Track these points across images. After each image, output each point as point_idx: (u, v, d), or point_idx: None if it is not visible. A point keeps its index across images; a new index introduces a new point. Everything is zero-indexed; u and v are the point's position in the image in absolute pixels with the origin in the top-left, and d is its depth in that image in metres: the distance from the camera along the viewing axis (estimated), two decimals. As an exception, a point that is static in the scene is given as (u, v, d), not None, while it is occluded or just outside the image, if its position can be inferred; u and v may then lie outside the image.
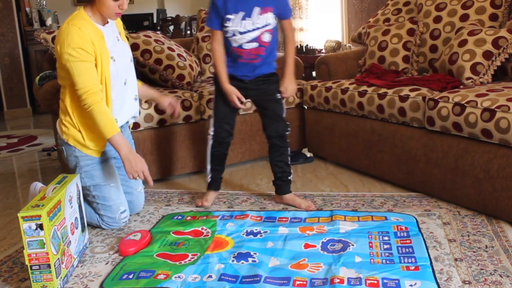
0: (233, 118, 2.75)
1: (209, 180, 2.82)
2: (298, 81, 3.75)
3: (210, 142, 2.74)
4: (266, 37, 2.53)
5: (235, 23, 2.48)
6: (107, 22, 2.46)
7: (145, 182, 2.46)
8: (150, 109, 3.15)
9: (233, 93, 2.59)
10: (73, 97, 2.37)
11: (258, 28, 2.50)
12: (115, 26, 2.57)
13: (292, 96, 3.56)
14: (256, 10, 2.47)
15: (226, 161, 2.84)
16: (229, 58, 2.61)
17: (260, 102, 2.73)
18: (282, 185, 2.79)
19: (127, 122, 2.69)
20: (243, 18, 2.47)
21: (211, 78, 3.80)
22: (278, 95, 2.69)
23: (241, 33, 2.49)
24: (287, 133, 2.74)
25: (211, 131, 2.72)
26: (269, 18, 2.50)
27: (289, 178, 2.78)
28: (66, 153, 2.50)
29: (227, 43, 2.55)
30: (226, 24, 2.49)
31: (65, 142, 2.46)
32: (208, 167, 2.79)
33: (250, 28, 2.49)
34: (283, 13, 2.59)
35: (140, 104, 2.92)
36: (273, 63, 2.69)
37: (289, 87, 2.68)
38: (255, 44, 2.53)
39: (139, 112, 2.76)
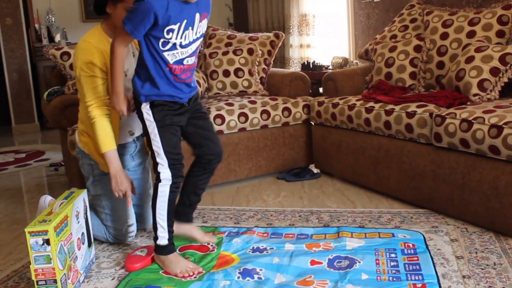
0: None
1: (168, 239, 2.23)
2: (305, 98, 3.77)
3: (166, 189, 2.19)
4: (198, 49, 2.23)
5: (177, 34, 2.05)
6: None
7: None
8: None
9: (124, 99, 2.21)
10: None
11: (198, 38, 2.15)
12: (132, 42, 2.53)
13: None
14: (197, 16, 2.09)
15: None
16: (160, 79, 2.11)
17: (195, 122, 2.32)
18: (190, 213, 2.49)
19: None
20: (186, 28, 2.06)
21: (218, 94, 3.82)
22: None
23: (182, 46, 2.09)
24: None
25: (166, 175, 2.18)
26: (205, 26, 2.18)
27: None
28: (81, 161, 2.55)
29: (159, 60, 2.08)
30: (168, 36, 2.03)
31: (81, 150, 2.52)
32: (165, 224, 2.21)
33: (191, 39, 2.12)
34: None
35: None
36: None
37: None
38: (193, 59, 2.19)
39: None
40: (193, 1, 2.03)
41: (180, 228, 2.39)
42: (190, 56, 2.14)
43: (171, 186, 2.18)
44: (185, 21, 2.04)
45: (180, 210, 2.42)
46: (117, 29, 2.15)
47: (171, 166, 2.17)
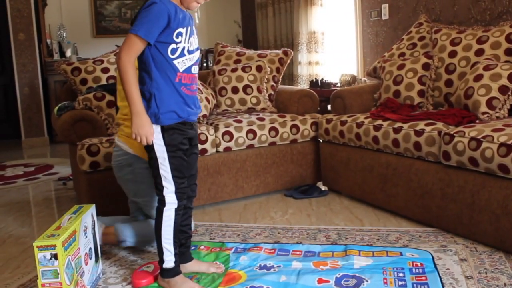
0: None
1: (174, 262, 2.18)
2: (313, 115, 3.77)
3: (171, 214, 2.15)
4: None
5: (185, 38, 2.05)
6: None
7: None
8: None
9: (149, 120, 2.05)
10: None
11: (198, 48, 2.15)
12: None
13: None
14: (194, 27, 2.12)
15: None
16: (167, 94, 2.05)
17: (189, 150, 2.23)
18: (186, 251, 2.37)
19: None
20: (190, 35, 2.07)
21: (227, 110, 3.84)
22: None
23: (189, 52, 2.07)
24: None
25: (171, 200, 2.13)
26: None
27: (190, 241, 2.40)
28: (126, 167, 2.54)
29: (166, 68, 2.03)
30: (178, 40, 2.02)
31: (122, 150, 2.52)
32: (172, 247, 2.16)
33: (195, 47, 2.11)
34: None
35: None
36: None
37: None
38: (197, 69, 2.15)
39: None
40: (193, 9, 2.07)
41: (183, 269, 2.27)
42: (195, 64, 2.12)
43: (176, 210, 2.15)
44: (189, 28, 2.05)
45: (180, 252, 2.29)
46: (124, 41, 2.01)
47: (177, 190, 2.13)
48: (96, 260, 2.32)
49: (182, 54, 2.05)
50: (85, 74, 3.64)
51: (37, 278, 1.93)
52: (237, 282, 2.23)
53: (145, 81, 2.05)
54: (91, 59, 3.78)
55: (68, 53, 6.72)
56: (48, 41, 6.79)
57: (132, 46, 1.98)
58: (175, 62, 2.04)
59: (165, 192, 2.12)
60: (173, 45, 2.02)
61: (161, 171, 2.11)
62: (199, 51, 2.16)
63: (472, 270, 2.25)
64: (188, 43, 2.05)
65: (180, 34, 2.01)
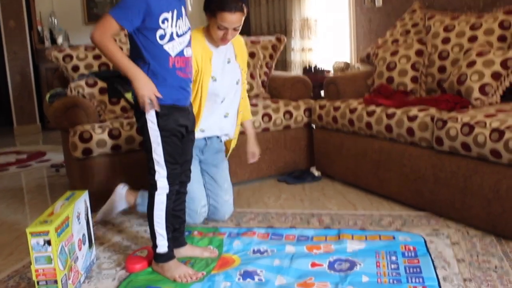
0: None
1: (167, 246, 2.19)
2: (307, 101, 3.77)
3: (163, 198, 2.14)
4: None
5: (172, 23, 2.02)
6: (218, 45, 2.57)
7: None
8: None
9: (153, 91, 2.02)
10: None
11: (189, 29, 2.13)
12: (232, 48, 2.67)
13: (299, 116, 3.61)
14: (182, 9, 2.08)
15: None
16: (163, 79, 2.05)
17: (185, 137, 2.24)
18: (180, 236, 2.39)
19: (218, 137, 2.78)
20: (178, 17, 2.04)
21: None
22: None
23: (178, 35, 2.05)
24: None
25: (163, 184, 2.13)
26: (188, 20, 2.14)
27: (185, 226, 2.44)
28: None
29: (158, 55, 2.02)
30: (164, 26, 2.00)
31: None
32: (164, 232, 2.17)
33: (184, 29, 2.09)
34: None
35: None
36: None
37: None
38: (190, 51, 2.14)
39: (233, 133, 2.82)
40: None
41: (177, 254, 2.28)
42: (187, 46, 2.10)
43: (168, 194, 2.14)
44: (175, 11, 2.02)
45: (174, 238, 2.30)
46: (99, 20, 1.98)
47: (169, 175, 2.13)
48: (90, 246, 2.32)
49: (171, 39, 2.02)
50: (76, 61, 3.61)
51: (31, 264, 1.93)
52: (230, 266, 2.24)
53: (140, 66, 2.03)
54: (83, 46, 3.75)
55: (60, 40, 6.66)
56: (39, 28, 6.72)
57: (106, 26, 1.96)
58: (166, 47, 2.02)
59: (157, 177, 2.11)
60: (161, 31, 1.99)
61: (154, 155, 2.10)
62: (190, 33, 2.14)
63: (464, 253, 2.27)
64: (176, 27, 2.03)
65: (166, 19, 1.99)
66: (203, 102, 2.53)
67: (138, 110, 2.09)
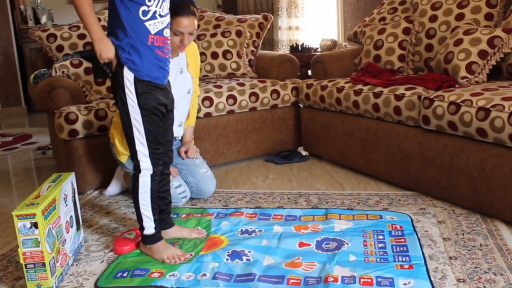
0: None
1: (154, 228, 2.19)
2: (294, 80, 3.76)
3: (147, 179, 2.14)
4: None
5: (157, 3, 2.02)
6: (177, 55, 2.66)
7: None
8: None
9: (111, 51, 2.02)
10: None
11: (169, 13, 2.14)
12: (185, 57, 2.76)
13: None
14: None
15: None
16: (143, 54, 2.03)
17: (165, 116, 2.23)
18: (167, 218, 2.39)
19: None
20: (163, 0, 2.06)
21: (206, 76, 3.80)
22: None
23: (161, 15, 2.05)
24: None
25: (146, 165, 2.12)
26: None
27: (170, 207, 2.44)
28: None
29: (138, 29, 2.00)
30: (149, 3, 1.99)
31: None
32: (150, 213, 2.17)
33: (166, 13, 2.09)
34: None
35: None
36: None
37: None
38: (169, 32, 2.15)
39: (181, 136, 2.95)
40: None
41: (165, 235, 2.29)
42: (167, 27, 2.10)
43: (152, 176, 2.13)
44: None
45: (161, 219, 2.30)
46: None
47: (152, 156, 2.11)
48: (78, 228, 2.31)
49: (153, 17, 2.01)
50: (61, 40, 3.56)
51: (18, 248, 1.92)
52: (219, 246, 2.25)
53: (119, 38, 2.01)
54: (67, 25, 3.69)
55: (43, 19, 6.55)
56: (22, 7, 6.59)
57: None
58: (147, 24, 2.01)
59: (139, 156, 2.10)
60: (144, 7, 1.98)
61: (135, 135, 2.08)
62: (169, 16, 2.13)
63: (450, 232, 2.29)
64: (160, 7, 2.03)
65: None
66: None
67: (117, 89, 2.07)
